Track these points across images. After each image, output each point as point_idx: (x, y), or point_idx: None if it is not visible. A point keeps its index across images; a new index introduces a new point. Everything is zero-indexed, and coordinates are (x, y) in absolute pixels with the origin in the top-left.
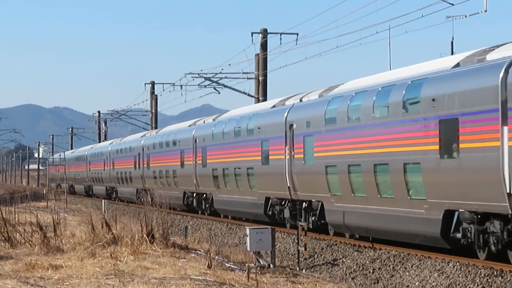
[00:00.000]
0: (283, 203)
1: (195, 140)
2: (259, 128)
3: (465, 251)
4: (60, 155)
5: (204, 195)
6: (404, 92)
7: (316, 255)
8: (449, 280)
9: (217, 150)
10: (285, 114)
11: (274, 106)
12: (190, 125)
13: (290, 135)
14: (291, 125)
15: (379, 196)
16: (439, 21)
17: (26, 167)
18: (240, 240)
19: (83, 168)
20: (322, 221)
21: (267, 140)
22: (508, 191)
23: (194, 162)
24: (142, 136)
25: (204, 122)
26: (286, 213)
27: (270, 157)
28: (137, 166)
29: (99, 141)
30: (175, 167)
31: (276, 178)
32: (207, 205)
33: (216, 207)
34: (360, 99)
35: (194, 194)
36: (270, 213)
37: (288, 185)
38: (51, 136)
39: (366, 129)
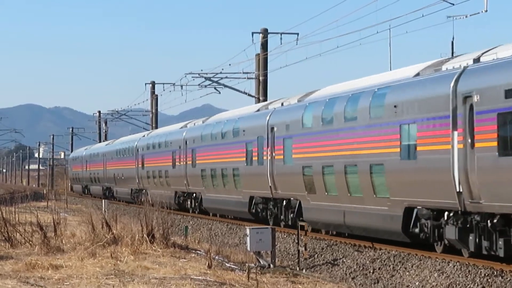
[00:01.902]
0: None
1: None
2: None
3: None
4: (87, 149)
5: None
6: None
7: (316, 255)
8: (449, 280)
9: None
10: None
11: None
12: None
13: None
14: (272, 128)
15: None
16: (440, 21)
17: (27, 167)
18: (240, 240)
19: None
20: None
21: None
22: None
23: (184, 163)
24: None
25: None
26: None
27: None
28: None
29: (99, 142)
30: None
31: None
32: (196, 204)
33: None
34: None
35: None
36: (254, 211)
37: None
38: (51, 136)
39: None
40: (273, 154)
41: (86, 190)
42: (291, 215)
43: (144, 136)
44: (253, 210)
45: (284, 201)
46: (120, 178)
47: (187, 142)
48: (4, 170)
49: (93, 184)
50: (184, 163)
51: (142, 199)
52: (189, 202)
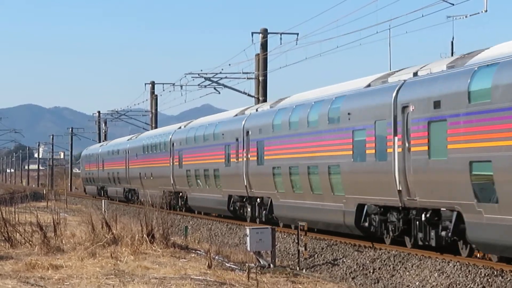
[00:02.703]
0: (243, 200)
1: (173, 144)
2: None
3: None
4: (102, 145)
5: (180, 193)
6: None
7: (316, 255)
8: (449, 280)
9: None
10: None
11: (236, 115)
12: (236, 115)
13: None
14: (248, 132)
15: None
16: (440, 21)
17: (26, 167)
18: (240, 240)
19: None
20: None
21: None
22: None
23: (171, 164)
24: (128, 140)
25: (180, 127)
26: (246, 209)
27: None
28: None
29: (99, 142)
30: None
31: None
32: (182, 202)
33: (190, 204)
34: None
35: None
36: (232, 208)
37: (245, 184)
38: (51, 136)
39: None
40: (248, 155)
41: (102, 192)
42: (264, 212)
43: (180, 128)
44: (231, 208)
45: (258, 199)
46: (149, 178)
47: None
48: (10, 170)
49: (112, 185)
50: (171, 164)
51: (181, 204)
52: (249, 209)
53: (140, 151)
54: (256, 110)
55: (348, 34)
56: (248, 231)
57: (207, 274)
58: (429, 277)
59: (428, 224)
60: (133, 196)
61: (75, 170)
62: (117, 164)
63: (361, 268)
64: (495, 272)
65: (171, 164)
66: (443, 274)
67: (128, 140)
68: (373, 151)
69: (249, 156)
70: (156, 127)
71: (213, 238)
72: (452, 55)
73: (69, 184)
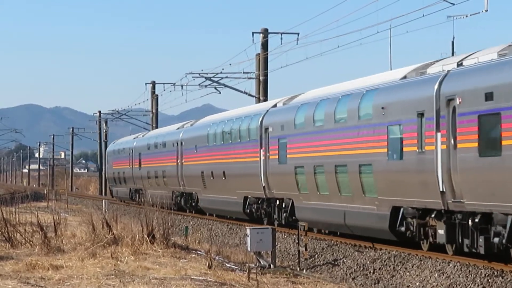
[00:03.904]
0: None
1: (132, 150)
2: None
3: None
4: (137, 137)
5: (140, 190)
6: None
7: (316, 255)
8: (450, 280)
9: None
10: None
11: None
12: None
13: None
14: (267, 129)
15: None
16: (440, 21)
17: (27, 167)
18: (240, 240)
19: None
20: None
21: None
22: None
23: (131, 166)
24: (178, 129)
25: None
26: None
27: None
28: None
29: (100, 142)
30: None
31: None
32: (140, 198)
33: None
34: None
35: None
36: (131, 197)
37: (263, 184)
38: (52, 136)
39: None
40: (268, 154)
41: (137, 196)
42: (284, 214)
43: (275, 105)
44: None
45: (277, 201)
46: (218, 178)
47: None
48: (5, 171)
49: (155, 187)
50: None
51: (282, 217)
52: (138, 196)
53: (203, 141)
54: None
55: (349, 33)
56: (248, 232)
57: (208, 275)
58: (429, 277)
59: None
60: (190, 202)
61: (76, 170)
62: (162, 160)
63: (361, 269)
64: (496, 273)
65: (266, 157)
66: (443, 275)
67: (178, 129)
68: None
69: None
70: (157, 127)
71: (213, 238)
72: (452, 55)
73: (69, 184)
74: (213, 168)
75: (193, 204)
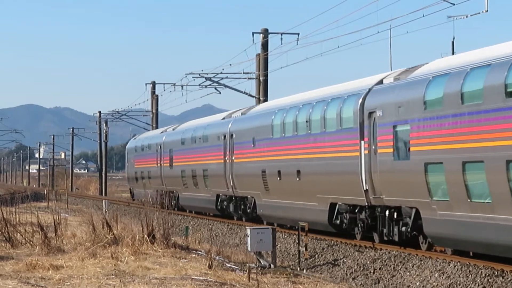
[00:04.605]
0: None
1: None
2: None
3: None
4: (166, 131)
5: (171, 193)
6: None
7: (316, 255)
8: (450, 280)
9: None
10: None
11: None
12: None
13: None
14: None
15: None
16: (440, 21)
17: (27, 167)
18: (241, 240)
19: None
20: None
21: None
22: (364, 188)
23: (159, 164)
24: (223, 119)
25: (172, 129)
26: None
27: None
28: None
29: (100, 142)
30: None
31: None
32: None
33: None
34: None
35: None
36: (339, 222)
37: (364, 186)
38: (52, 137)
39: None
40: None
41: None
42: (248, 210)
43: (381, 82)
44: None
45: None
46: (289, 178)
47: (129, 153)
48: (5, 171)
49: (192, 189)
50: (366, 151)
51: (395, 232)
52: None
53: (264, 133)
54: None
55: (349, 34)
56: (249, 232)
57: (208, 275)
58: (429, 277)
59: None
60: (244, 208)
61: (76, 171)
62: (203, 157)
63: (361, 269)
64: (496, 273)
65: (371, 151)
66: (443, 275)
67: (223, 119)
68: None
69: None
70: (157, 128)
71: (213, 239)
72: (453, 54)
73: (70, 184)
74: (280, 166)
75: (249, 210)
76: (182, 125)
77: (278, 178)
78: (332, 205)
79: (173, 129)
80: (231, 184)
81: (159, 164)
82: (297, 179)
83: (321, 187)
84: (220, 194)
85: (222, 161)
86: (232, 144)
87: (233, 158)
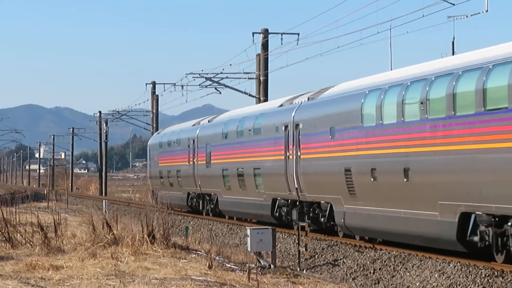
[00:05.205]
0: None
1: (193, 141)
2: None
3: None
4: (198, 124)
5: (207, 196)
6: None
7: (316, 255)
8: (450, 280)
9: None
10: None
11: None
12: (193, 124)
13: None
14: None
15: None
16: (440, 21)
17: (27, 167)
18: (240, 240)
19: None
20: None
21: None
22: (296, 187)
23: (192, 162)
24: (280, 106)
25: (208, 121)
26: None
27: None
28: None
29: (100, 142)
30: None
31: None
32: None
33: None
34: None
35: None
36: (190, 204)
37: (296, 186)
38: (52, 137)
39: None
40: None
41: (200, 204)
42: (211, 206)
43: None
44: (189, 203)
45: (207, 196)
46: (390, 179)
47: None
48: (5, 171)
49: (236, 191)
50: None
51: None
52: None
53: (348, 121)
54: (208, 121)
55: (349, 34)
56: (248, 232)
57: (208, 275)
58: (429, 277)
59: (314, 213)
60: (313, 214)
61: (76, 171)
62: (254, 153)
63: (361, 269)
64: (496, 273)
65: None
66: (443, 275)
67: (281, 106)
68: (282, 157)
69: (196, 160)
70: (157, 128)
71: (213, 239)
72: (453, 54)
73: (70, 184)
74: (376, 163)
75: (322, 220)
76: (220, 116)
77: (372, 179)
78: (467, 215)
79: (208, 121)
80: (296, 185)
81: (191, 162)
82: (404, 179)
83: (445, 190)
84: (279, 198)
85: (283, 157)
86: (298, 136)
87: (299, 153)
